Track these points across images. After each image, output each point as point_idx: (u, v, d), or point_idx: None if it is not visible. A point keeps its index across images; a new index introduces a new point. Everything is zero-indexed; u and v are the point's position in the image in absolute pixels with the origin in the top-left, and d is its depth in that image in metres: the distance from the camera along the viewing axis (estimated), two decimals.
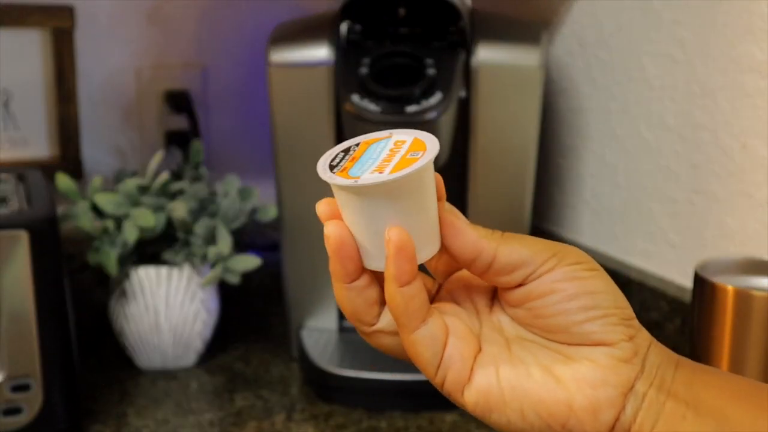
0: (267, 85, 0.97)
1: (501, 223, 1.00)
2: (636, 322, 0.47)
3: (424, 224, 0.46)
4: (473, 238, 0.46)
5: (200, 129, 1.17)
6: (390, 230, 0.45)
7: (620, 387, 0.45)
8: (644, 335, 0.47)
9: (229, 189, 1.05)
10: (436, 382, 0.47)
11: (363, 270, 0.47)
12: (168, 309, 1.00)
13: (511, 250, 0.46)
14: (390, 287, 0.46)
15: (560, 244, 0.48)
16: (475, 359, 0.46)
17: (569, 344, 0.46)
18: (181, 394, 0.98)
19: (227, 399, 0.97)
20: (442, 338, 0.46)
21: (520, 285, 0.47)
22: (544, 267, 0.46)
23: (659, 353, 0.47)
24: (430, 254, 0.47)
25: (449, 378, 0.46)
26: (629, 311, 0.48)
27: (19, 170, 0.98)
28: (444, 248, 0.47)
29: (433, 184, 0.46)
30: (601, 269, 0.48)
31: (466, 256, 0.47)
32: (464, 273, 0.51)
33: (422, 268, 0.48)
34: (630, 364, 0.46)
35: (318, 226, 1.05)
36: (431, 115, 0.84)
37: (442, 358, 0.46)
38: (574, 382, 0.45)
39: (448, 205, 0.47)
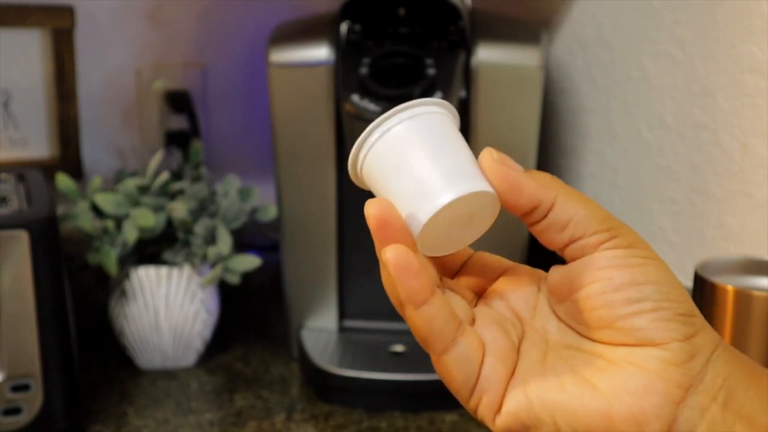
0: (267, 85, 0.97)
1: (501, 223, 1.00)
2: (698, 319, 0.41)
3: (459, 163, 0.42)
4: (531, 189, 0.42)
5: (200, 129, 1.17)
6: (385, 251, 0.40)
7: (668, 395, 0.39)
8: (708, 336, 0.40)
9: (229, 189, 1.05)
10: (470, 407, 0.42)
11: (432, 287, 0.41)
12: (168, 309, 1.00)
13: (569, 204, 0.42)
14: (406, 312, 0.41)
15: (618, 220, 0.43)
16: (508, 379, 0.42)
17: (615, 345, 0.41)
18: (181, 394, 0.98)
19: (227, 399, 0.97)
20: (477, 358, 0.41)
21: (564, 250, 0.42)
22: (593, 238, 0.41)
23: (730, 361, 0.40)
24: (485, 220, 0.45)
25: (485, 402, 0.41)
26: (689, 305, 0.41)
27: (19, 170, 0.98)
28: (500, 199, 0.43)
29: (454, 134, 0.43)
30: (657, 257, 0.42)
31: (524, 209, 0.43)
32: (499, 286, 0.46)
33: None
34: (683, 368, 0.39)
35: (318, 226, 1.05)
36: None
37: (477, 381, 0.41)
38: (613, 390, 0.40)
39: (493, 152, 0.42)
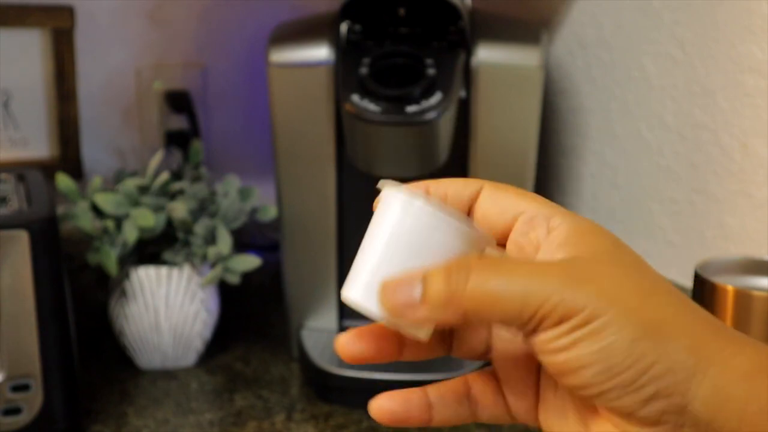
0: (267, 85, 0.97)
1: None
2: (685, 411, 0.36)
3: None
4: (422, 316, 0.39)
5: (200, 129, 1.17)
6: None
7: None
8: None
9: (229, 189, 1.05)
10: None
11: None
12: (168, 309, 1.00)
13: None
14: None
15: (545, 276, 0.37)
16: None
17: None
18: (181, 394, 0.98)
19: (227, 399, 0.97)
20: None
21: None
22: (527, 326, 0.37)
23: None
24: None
25: None
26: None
27: (19, 170, 0.98)
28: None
29: None
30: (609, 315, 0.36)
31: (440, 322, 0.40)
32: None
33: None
34: None
35: (318, 226, 1.05)
36: (431, 115, 0.84)
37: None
38: None
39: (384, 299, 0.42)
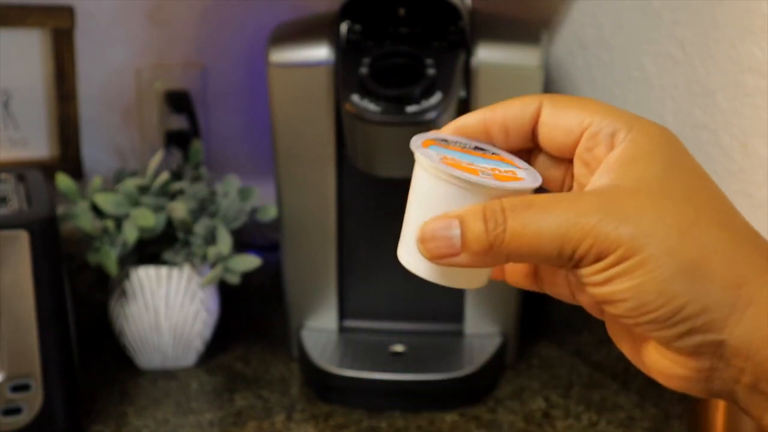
0: (267, 85, 0.97)
1: None
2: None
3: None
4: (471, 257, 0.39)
5: (200, 129, 1.17)
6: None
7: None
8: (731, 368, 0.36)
9: (229, 189, 1.05)
10: None
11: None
12: (168, 309, 1.00)
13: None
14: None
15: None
16: None
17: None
18: (181, 394, 0.98)
19: (227, 399, 0.97)
20: None
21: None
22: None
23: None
24: None
25: None
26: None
27: (19, 170, 0.98)
28: None
29: None
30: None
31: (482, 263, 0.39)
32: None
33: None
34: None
35: (318, 226, 1.05)
36: (431, 115, 0.84)
37: None
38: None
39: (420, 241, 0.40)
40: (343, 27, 0.94)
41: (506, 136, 0.42)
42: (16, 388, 0.82)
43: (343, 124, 0.91)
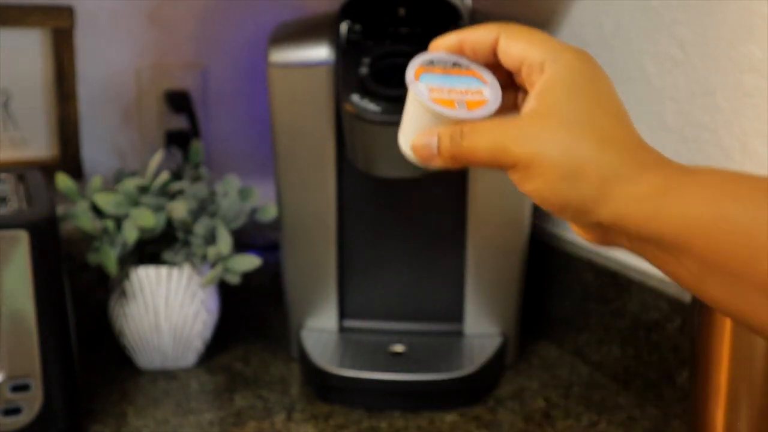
0: (267, 85, 0.97)
1: (501, 223, 1.00)
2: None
3: None
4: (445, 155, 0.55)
5: (200, 129, 1.17)
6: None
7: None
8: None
9: (229, 189, 1.05)
10: None
11: None
12: (168, 309, 1.01)
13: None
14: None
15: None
16: None
17: None
18: (181, 394, 0.98)
19: (227, 399, 0.97)
20: None
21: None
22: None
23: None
24: None
25: None
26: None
27: (19, 170, 0.98)
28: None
29: None
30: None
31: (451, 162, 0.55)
32: None
33: None
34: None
35: (318, 226, 1.05)
36: None
37: None
38: None
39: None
40: (343, 27, 0.94)
41: (475, 55, 0.56)
42: (16, 388, 0.82)
43: (343, 124, 0.91)
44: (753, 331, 0.47)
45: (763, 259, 0.43)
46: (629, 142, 0.50)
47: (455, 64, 0.58)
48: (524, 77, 0.53)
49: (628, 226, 0.48)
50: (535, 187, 0.50)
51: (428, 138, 0.54)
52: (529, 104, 0.52)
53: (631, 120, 0.53)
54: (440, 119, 0.55)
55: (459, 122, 0.54)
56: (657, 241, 0.48)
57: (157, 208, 1.00)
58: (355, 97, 0.85)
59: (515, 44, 0.53)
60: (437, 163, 0.54)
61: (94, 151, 1.16)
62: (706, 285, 0.47)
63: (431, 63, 0.58)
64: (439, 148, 0.54)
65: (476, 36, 0.55)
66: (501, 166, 0.51)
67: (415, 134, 0.56)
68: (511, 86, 0.56)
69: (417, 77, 0.57)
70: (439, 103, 0.55)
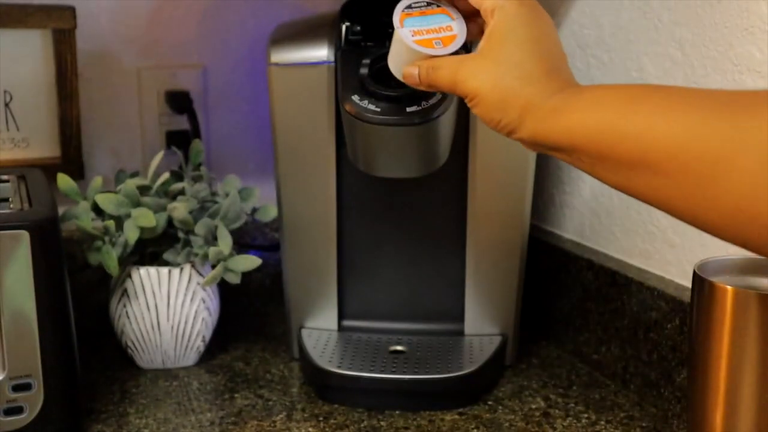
0: (267, 85, 0.97)
1: (501, 223, 1.01)
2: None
3: None
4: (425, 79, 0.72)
5: (200, 129, 1.17)
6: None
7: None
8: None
9: (229, 189, 1.05)
10: None
11: None
12: (169, 309, 1.01)
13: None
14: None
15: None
16: None
17: None
18: (181, 394, 0.99)
19: (228, 398, 0.98)
20: None
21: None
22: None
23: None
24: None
25: None
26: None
27: (21, 170, 0.99)
28: None
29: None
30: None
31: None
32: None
33: None
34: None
35: (318, 226, 1.05)
36: (431, 115, 0.85)
37: None
38: None
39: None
40: (343, 27, 0.94)
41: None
42: (17, 388, 0.82)
43: (343, 124, 0.92)
44: (641, 200, 0.58)
45: (651, 154, 0.54)
46: (546, 76, 0.64)
47: (428, 4, 0.74)
48: (483, 21, 0.69)
49: (538, 140, 0.63)
50: (478, 112, 0.66)
51: (412, 69, 0.71)
52: (480, 45, 0.67)
53: (558, 56, 0.67)
54: (422, 55, 0.71)
55: (435, 57, 0.70)
56: (558, 148, 0.61)
57: (158, 209, 1.00)
58: (355, 97, 0.85)
59: None
60: (420, 86, 0.72)
61: (95, 152, 1.16)
62: (598, 173, 0.59)
63: (410, 8, 0.74)
64: (419, 77, 0.71)
65: None
66: (457, 95, 0.68)
67: (404, 65, 0.72)
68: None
69: (401, 23, 0.73)
70: (420, 44, 0.71)
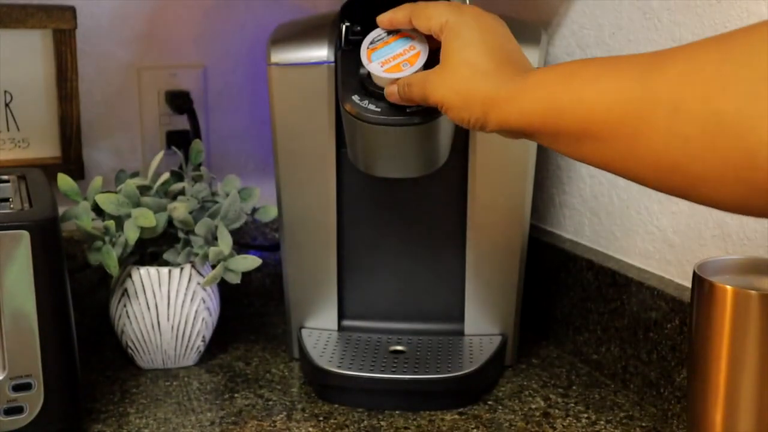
0: (267, 85, 0.97)
1: (501, 223, 1.01)
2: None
3: None
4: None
5: (201, 129, 1.17)
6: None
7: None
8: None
9: (229, 189, 1.05)
10: None
11: None
12: (169, 309, 1.01)
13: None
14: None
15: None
16: None
17: None
18: (181, 394, 0.99)
19: (228, 398, 0.98)
20: None
21: None
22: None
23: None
24: None
25: None
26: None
27: (21, 170, 0.99)
28: None
29: None
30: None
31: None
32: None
33: None
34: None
35: (318, 226, 1.05)
36: (431, 115, 0.85)
37: None
38: None
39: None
40: (343, 27, 0.94)
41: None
42: (18, 388, 0.82)
43: (343, 124, 0.92)
44: (594, 166, 0.61)
45: (588, 124, 0.58)
46: (498, 69, 0.69)
47: (389, 33, 0.82)
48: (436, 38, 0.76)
49: (504, 128, 0.67)
50: (450, 116, 0.72)
51: (392, 88, 0.79)
52: (442, 57, 0.73)
53: (508, 47, 0.72)
54: (395, 79, 0.79)
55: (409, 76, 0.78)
56: (521, 132, 0.66)
57: (158, 209, 1.00)
58: (355, 97, 0.85)
59: (420, 23, 0.77)
60: (399, 102, 0.79)
61: (96, 152, 1.17)
62: (558, 149, 0.63)
63: (373, 42, 0.82)
64: (398, 93, 0.79)
65: (398, 19, 0.80)
66: (430, 105, 0.74)
67: (386, 87, 0.81)
68: None
69: (369, 59, 0.81)
70: (390, 71, 0.80)
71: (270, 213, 1.08)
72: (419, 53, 0.79)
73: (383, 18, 0.81)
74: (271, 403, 0.97)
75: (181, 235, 1.02)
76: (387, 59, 0.80)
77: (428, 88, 0.73)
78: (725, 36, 0.52)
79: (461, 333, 1.04)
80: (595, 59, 0.63)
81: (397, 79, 0.79)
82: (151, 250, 1.03)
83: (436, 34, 0.75)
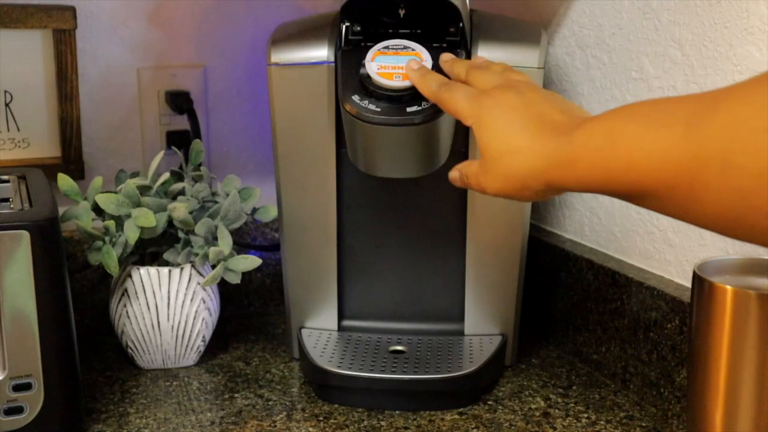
0: (267, 85, 0.97)
1: (501, 223, 1.01)
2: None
3: None
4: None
5: (201, 129, 1.17)
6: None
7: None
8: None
9: (229, 189, 1.05)
10: None
11: None
12: (169, 309, 1.01)
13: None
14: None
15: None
16: None
17: None
18: (181, 394, 0.99)
19: (228, 398, 0.98)
20: None
21: None
22: None
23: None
24: None
25: None
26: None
27: (21, 170, 0.99)
28: None
29: None
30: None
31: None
32: None
33: None
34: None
35: (318, 226, 1.05)
36: (431, 115, 0.85)
37: None
38: None
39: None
40: (343, 27, 0.94)
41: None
42: (18, 388, 0.82)
43: (343, 124, 0.92)
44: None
45: (640, 186, 0.56)
46: (539, 139, 0.66)
47: (405, 48, 0.85)
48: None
49: (565, 191, 0.67)
50: (519, 200, 0.71)
51: (454, 174, 0.78)
52: (480, 152, 0.71)
53: (545, 108, 0.69)
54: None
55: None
56: (583, 191, 0.64)
57: (158, 209, 1.00)
58: (356, 97, 0.85)
59: (448, 107, 0.77)
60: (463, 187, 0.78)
61: (96, 152, 1.17)
62: (624, 200, 0.60)
63: (387, 48, 0.85)
64: (459, 182, 0.78)
65: (455, 72, 0.82)
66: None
67: (450, 172, 0.79)
68: None
69: (372, 59, 0.84)
70: (383, 76, 0.83)
71: (270, 213, 1.08)
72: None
73: (446, 58, 0.84)
74: (271, 403, 0.97)
75: (181, 235, 1.02)
76: (387, 66, 0.83)
77: (483, 184, 0.72)
78: None
79: (461, 333, 1.04)
80: (640, 106, 0.59)
81: (389, 85, 0.83)
82: (151, 250, 1.03)
83: (465, 123, 0.74)
